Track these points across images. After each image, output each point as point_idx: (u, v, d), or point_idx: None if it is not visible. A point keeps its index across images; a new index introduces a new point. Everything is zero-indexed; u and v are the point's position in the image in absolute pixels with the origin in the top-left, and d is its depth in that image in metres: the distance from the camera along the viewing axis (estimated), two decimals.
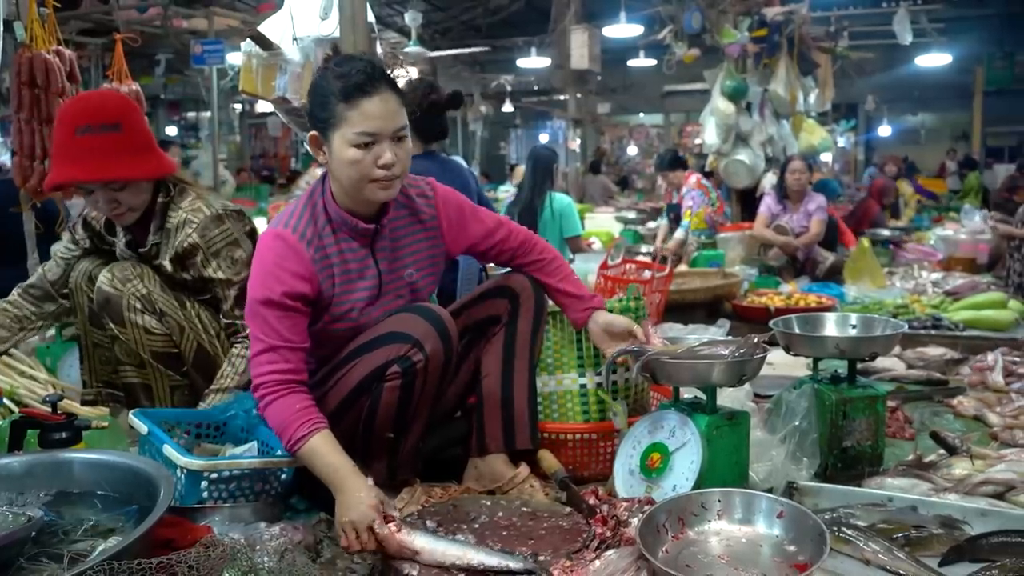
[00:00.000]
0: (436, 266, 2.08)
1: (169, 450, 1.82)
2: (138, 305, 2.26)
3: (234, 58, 7.46)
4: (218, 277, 2.29)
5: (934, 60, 11.58)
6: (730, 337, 2.22)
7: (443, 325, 1.88)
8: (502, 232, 2.10)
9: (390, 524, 1.60)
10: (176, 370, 2.33)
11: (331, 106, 1.77)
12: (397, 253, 1.99)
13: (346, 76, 1.77)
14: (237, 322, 2.29)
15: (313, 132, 1.85)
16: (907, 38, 8.06)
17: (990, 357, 3.17)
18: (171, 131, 16.34)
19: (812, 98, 7.37)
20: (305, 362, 1.84)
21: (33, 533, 1.45)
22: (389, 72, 1.83)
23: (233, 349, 2.29)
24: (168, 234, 2.29)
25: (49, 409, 2.02)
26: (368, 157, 1.78)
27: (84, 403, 2.44)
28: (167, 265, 2.30)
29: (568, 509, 1.88)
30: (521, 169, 8.99)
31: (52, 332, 3.13)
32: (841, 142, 13.29)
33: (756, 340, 1.91)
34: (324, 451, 1.71)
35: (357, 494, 1.65)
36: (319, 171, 2.32)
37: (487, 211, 2.16)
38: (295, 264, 1.83)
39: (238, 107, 14.70)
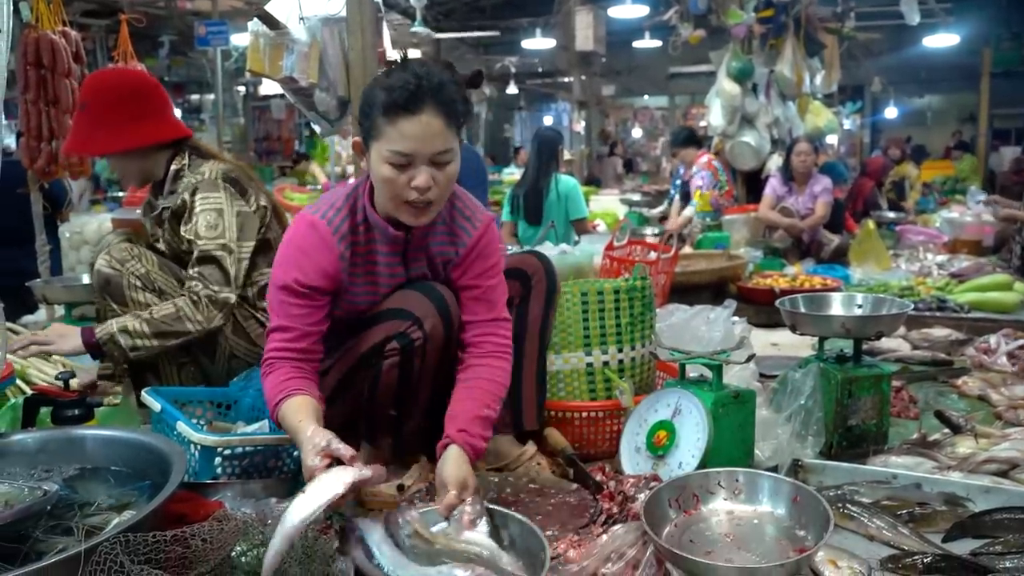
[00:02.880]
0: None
1: (183, 427, 1.84)
2: (138, 283, 2.28)
3: (238, 39, 7.44)
4: (188, 237, 2.27)
5: (941, 41, 11.50)
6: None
7: (444, 303, 1.86)
8: (496, 316, 1.89)
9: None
10: (187, 350, 2.34)
11: (372, 117, 1.70)
12: (432, 265, 1.93)
13: (391, 89, 1.66)
14: (192, 282, 2.24)
15: (357, 138, 1.81)
16: (914, 18, 7.98)
17: (992, 340, 3.18)
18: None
19: (818, 79, 7.34)
20: (317, 343, 1.82)
21: (49, 507, 1.47)
22: (438, 82, 1.68)
23: (178, 299, 2.25)
24: (175, 199, 2.33)
25: (61, 386, 2.05)
26: (402, 177, 1.69)
27: (101, 377, 2.45)
28: (167, 231, 2.33)
29: (575, 485, 1.90)
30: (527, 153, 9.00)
31: (62, 312, 3.16)
32: (847, 124, 13.22)
33: None
34: (288, 416, 1.66)
35: (305, 449, 1.57)
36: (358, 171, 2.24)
37: (503, 293, 1.95)
38: (321, 257, 1.79)
39: (242, 89, 14.66)
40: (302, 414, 1.64)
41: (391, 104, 1.65)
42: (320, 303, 1.81)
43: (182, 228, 2.30)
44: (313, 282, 1.79)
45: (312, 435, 1.55)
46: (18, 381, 2.45)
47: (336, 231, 1.82)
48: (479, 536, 1.39)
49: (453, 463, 1.65)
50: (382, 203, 1.80)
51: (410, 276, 1.92)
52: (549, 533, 1.64)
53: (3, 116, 1.88)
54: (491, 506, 1.42)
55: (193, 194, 2.28)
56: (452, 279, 1.93)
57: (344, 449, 1.52)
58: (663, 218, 7.07)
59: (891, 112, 16.22)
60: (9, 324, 2.76)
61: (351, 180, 3.49)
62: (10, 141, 5.48)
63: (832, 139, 8.28)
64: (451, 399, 1.80)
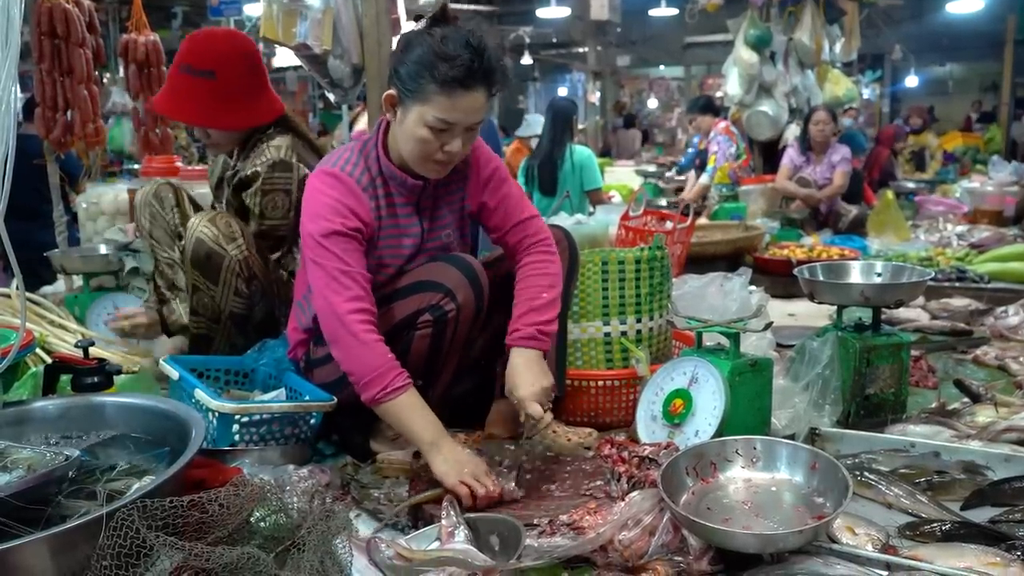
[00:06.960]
0: (466, 226, 2.07)
1: (201, 394, 1.85)
2: (237, 269, 2.28)
3: (251, 9, 7.40)
4: (255, 211, 2.31)
5: (964, 7, 11.23)
6: None
7: (475, 275, 1.88)
8: (517, 220, 2.00)
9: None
10: (243, 331, 2.35)
11: (423, 81, 1.71)
12: (437, 212, 1.99)
13: (450, 62, 1.68)
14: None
15: (392, 92, 1.80)
16: None
17: (1012, 311, 3.14)
18: None
19: (838, 48, 7.21)
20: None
21: (71, 472, 1.49)
22: (492, 61, 1.74)
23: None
24: (248, 165, 2.34)
25: (81, 354, 2.06)
26: (437, 142, 1.76)
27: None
28: (230, 193, 2.35)
29: (591, 453, 1.90)
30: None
31: (80, 282, 3.18)
32: (866, 93, 13.02)
33: None
34: (419, 406, 1.76)
35: (458, 448, 1.73)
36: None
37: (523, 197, 2.06)
38: (355, 203, 1.83)
39: None
40: (432, 415, 1.76)
41: (449, 77, 1.69)
42: (363, 247, 1.84)
43: (246, 194, 2.32)
44: (356, 224, 1.82)
45: (468, 455, 1.74)
46: (38, 349, 2.46)
47: (358, 182, 1.86)
48: (457, 544, 1.47)
49: (519, 367, 1.80)
50: (404, 158, 1.84)
51: (423, 227, 1.96)
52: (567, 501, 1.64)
53: (19, 87, 1.86)
54: (469, 515, 1.55)
55: (266, 171, 2.29)
56: (471, 209, 2.02)
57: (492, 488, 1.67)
58: (678, 190, 7.02)
59: (912, 81, 15.91)
60: (29, 295, 2.78)
61: None
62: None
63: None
64: (516, 298, 1.91)
